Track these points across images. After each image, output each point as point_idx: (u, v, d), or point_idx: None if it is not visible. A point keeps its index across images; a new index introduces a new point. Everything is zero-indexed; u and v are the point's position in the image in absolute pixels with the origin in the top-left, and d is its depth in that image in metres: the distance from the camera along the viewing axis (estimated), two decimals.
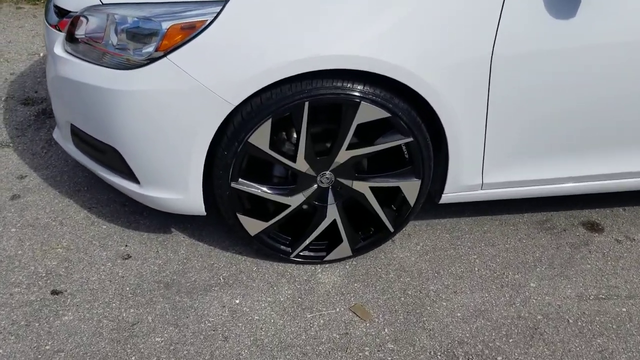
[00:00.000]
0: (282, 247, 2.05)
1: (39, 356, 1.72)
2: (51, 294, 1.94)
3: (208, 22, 1.70)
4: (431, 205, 2.24)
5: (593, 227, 2.38)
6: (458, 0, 1.75)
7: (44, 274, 2.02)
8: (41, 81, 3.27)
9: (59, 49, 1.99)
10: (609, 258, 2.22)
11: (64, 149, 2.25)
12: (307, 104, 1.76)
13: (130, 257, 2.11)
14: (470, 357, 1.79)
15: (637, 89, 1.90)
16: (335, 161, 1.90)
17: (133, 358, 1.74)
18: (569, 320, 1.94)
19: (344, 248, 2.07)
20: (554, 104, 1.89)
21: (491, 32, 1.76)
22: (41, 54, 3.59)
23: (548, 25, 1.77)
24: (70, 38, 1.95)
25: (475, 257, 2.20)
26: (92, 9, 1.88)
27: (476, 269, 2.14)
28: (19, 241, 2.15)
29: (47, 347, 1.76)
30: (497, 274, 2.12)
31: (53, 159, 2.63)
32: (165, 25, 1.72)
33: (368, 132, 1.87)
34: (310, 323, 1.89)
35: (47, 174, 2.53)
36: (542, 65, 1.81)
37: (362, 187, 1.96)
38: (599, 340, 1.87)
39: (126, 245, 2.16)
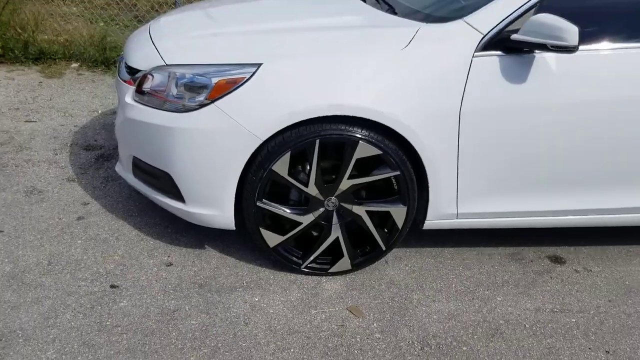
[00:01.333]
0: (294, 259, 2.55)
1: (102, 329, 2.21)
2: (110, 287, 2.45)
3: (246, 78, 2.29)
4: (419, 234, 2.73)
5: (557, 259, 2.83)
6: (435, 68, 2.32)
7: (104, 273, 2.53)
8: (99, 132, 3.90)
9: (129, 98, 2.59)
10: (567, 283, 2.66)
11: (124, 179, 2.82)
12: (318, 141, 2.31)
13: (172, 264, 2.62)
14: (441, 346, 2.23)
15: (577, 140, 2.41)
16: (339, 188, 2.42)
17: (174, 333, 2.21)
18: (525, 325, 2.37)
19: (345, 262, 2.55)
20: (510, 150, 2.41)
21: (459, 93, 2.32)
22: (99, 111, 4.25)
23: (504, 88, 2.33)
24: (139, 90, 2.55)
25: (454, 277, 2.66)
26: (158, 68, 2.50)
27: (453, 285, 2.59)
28: (84, 250, 2.68)
29: (107, 323, 2.24)
30: (470, 290, 2.57)
31: (110, 191, 3.19)
32: (214, 80, 2.32)
33: (365, 166, 2.40)
34: (314, 317, 2.35)
35: (105, 202, 3.08)
36: (500, 119, 2.35)
37: (360, 210, 2.47)
38: (548, 341, 2.30)
39: (169, 256, 2.67)
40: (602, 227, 2.80)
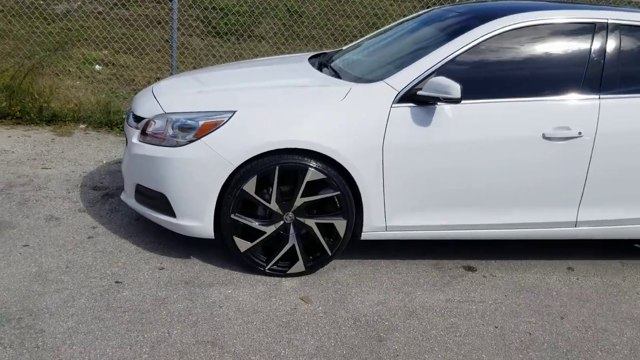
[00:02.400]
0: (260, 262, 3.27)
1: (109, 309, 2.89)
2: (115, 282, 3.14)
3: (224, 121, 3.10)
4: (362, 248, 3.47)
5: (470, 268, 3.57)
6: (364, 115, 3.14)
7: (110, 274, 3.22)
8: (105, 177, 4.65)
9: (135, 139, 3.38)
10: (474, 284, 3.38)
11: (127, 204, 3.56)
12: (277, 168, 3.09)
13: (164, 268, 3.32)
14: (369, 321, 2.93)
15: (470, 169, 3.21)
16: (295, 205, 3.18)
17: (164, 312, 2.90)
18: (436, 310, 3.08)
19: (300, 265, 3.27)
20: (423, 176, 3.20)
21: (382, 133, 3.13)
22: (104, 161, 5.02)
23: (414, 129, 3.15)
24: (143, 133, 3.35)
25: (386, 278, 3.37)
26: (158, 115, 3.31)
27: (384, 284, 3.31)
28: (94, 258, 3.38)
29: (113, 305, 2.93)
30: (397, 287, 3.29)
31: (114, 219, 3.92)
32: (201, 123, 3.12)
33: (314, 188, 3.17)
34: (274, 302, 3.04)
35: (110, 227, 3.80)
36: (412, 153, 3.15)
37: (311, 222, 3.22)
38: (452, 320, 3.00)
39: (161, 263, 3.38)
40: (510, 242, 3.56)
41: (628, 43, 3.33)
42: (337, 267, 3.46)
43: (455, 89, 3.01)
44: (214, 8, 11.64)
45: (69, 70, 7.73)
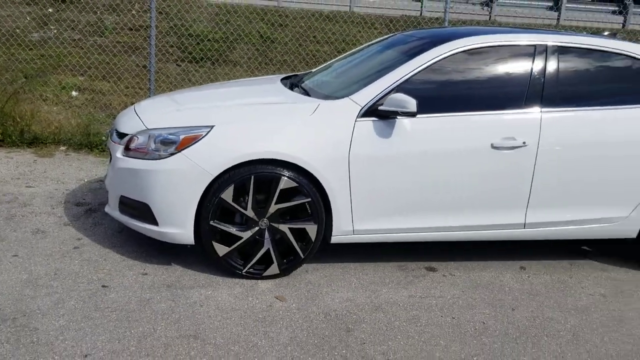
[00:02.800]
0: (237, 265, 3.53)
1: (97, 309, 3.11)
2: (102, 287, 3.36)
3: (203, 135, 3.38)
4: (333, 253, 3.75)
5: (431, 268, 3.87)
6: (331, 128, 3.46)
7: (97, 279, 3.44)
8: (87, 194, 4.87)
9: (119, 154, 3.64)
10: (435, 282, 3.68)
11: (111, 215, 3.80)
12: (253, 177, 3.38)
13: (147, 274, 3.56)
14: (338, 315, 3.20)
15: (427, 177, 3.54)
16: (269, 211, 3.46)
17: (148, 311, 3.13)
18: (399, 304, 3.37)
19: (274, 268, 3.54)
20: (386, 184, 3.52)
21: (348, 145, 3.44)
22: (85, 180, 5.24)
23: (377, 141, 3.47)
24: (126, 148, 3.61)
25: (355, 279, 3.66)
26: (141, 131, 3.58)
27: (353, 284, 3.59)
28: (81, 266, 3.60)
29: (101, 306, 3.15)
30: (365, 286, 3.57)
31: (98, 232, 4.14)
32: (181, 137, 3.40)
33: (287, 195, 3.46)
34: (250, 301, 3.30)
35: (94, 238, 4.02)
36: (375, 162, 3.47)
37: (285, 227, 3.50)
38: (414, 312, 3.29)
39: (144, 270, 3.61)
40: (468, 243, 3.88)
41: (565, 62, 3.73)
42: (309, 270, 3.73)
43: (411, 103, 3.35)
44: (190, 35, 11.99)
45: (47, 96, 7.94)
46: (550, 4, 17.31)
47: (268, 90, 4.15)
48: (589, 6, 17.48)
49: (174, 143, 3.42)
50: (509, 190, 3.65)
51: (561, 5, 16.79)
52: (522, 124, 3.60)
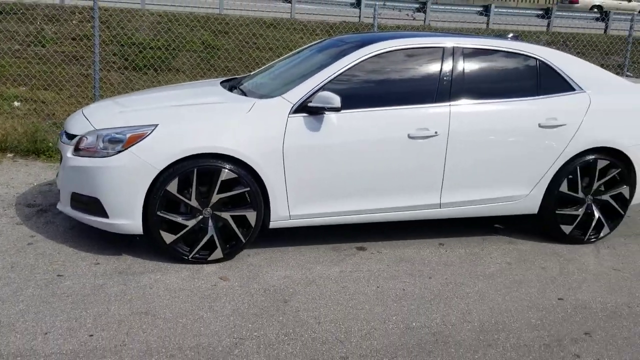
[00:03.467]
0: (184, 252, 3.86)
1: (54, 295, 3.39)
2: (57, 276, 3.63)
3: (147, 133, 3.71)
4: (272, 237, 4.14)
5: (361, 248, 4.31)
6: (266, 124, 3.85)
7: (52, 270, 3.71)
8: (37, 196, 5.09)
9: (70, 154, 3.92)
10: (364, 259, 4.12)
11: (63, 212, 4.07)
12: (195, 170, 3.73)
13: (99, 264, 3.85)
14: (276, 290, 3.59)
15: (354, 164, 3.98)
16: (212, 201, 3.82)
17: (102, 295, 3.43)
18: (331, 278, 3.79)
19: (218, 252, 3.90)
20: (316, 173, 3.93)
21: (281, 139, 3.84)
22: (35, 184, 5.44)
23: (307, 134, 3.88)
24: (76, 148, 3.90)
25: (292, 260, 4.06)
26: (90, 132, 3.88)
27: (290, 264, 3.99)
28: (35, 260, 3.85)
29: (57, 292, 3.43)
30: (301, 265, 3.97)
31: (50, 229, 4.38)
32: (127, 135, 3.72)
33: (227, 186, 3.83)
34: (197, 282, 3.65)
35: (47, 235, 4.27)
36: (307, 153, 3.88)
37: (227, 215, 3.86)
38: (344, 284, 3.71)
39: (96, 260, 3.90)
40: (395, 225, 4.33)
41: (469, 62, 4.25)
42: (251, 254, 4.10)
43: (336, 100, 3.79)
44: (132, 44, 12.15)
45: None
46: (480, 9, 18.29)
47: (208, 92, 4.52)
48: (515, 10, 18.55)
49: (120, 141, 3.74)
50: (425, 174, 4.13)
51: (490, 10, 17.75)
52: (433, 117, 4.09)
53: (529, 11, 18.81)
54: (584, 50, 13.67)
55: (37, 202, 4.95)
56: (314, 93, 3.92)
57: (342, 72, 4.02)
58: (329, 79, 3.99)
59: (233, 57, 12.22)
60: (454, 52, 4.23)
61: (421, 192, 4.17)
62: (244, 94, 4.32)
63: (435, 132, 4.07)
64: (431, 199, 4.20)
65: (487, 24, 17.75)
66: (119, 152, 3.71)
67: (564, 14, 18.66)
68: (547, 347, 3.13)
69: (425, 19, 17.05)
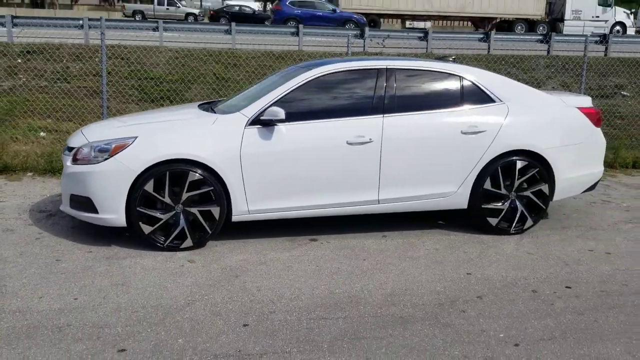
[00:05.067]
0: (160, 241, 4.68)
1: (51, 273, 4.23)
2: (55, 260, 4.48)
3: (129, 143, 4.58)
4: (239, 232, 4.94)
5: (314, 239, 5.06)
6: (227, 135, 4.68)
7: (52, 256, 4.56)
8: (48, 204, 5.99)
9: (69, 163, 4.81)
10: (313, 248, 4.87)
11: (64, 211, 4.94)
12: (168, 173, 4.57)
13: (91, 252, 4.68)
14: (233, 269, 4.36)
15: (299, 168, 4.76)
16: (182, 198, 4.64)
17: (90, 272, 4.26)
18: (280, 261, 4.54)
19: (189, 241, 4.70)
20: (270, 174, 4.73)
21: (239, 147, 4.66)
22: (47, 195, 6.36)
23: (261, 143, 4.70)
24: (74, 158, 4.79)
25: (252, 248, 4.82)
26: (85, 144, 4.77)
27: (249, 251, 4.76)
28: (40, 249, 4.71)
29: (54, 271, 4.27)
30: (258, 251, 4.73)
31: (56, 229, 5.25)
32: (113, 146, 4.60)
33: (195, 185, 4.65)
34: (168, 264, 4.45)
35: (52, 232, 5.13)
36: (260, 158, 4.69)
37: (195, 210, 4.68)
38: (289, 265, 4.46)
39: (90, 250, 4.74)
40: (348, 220, 5.08)
41: (401, 80, 5.03)
42: (218, 244, 4.90)
43: (282, 113, 4.61)
44: (150, 78, 13.32)
45: (17, 138, 9.07)
46: (482, 35, 19.08)
47: (183, 111, 5.40)
48: (514, 36, 19.29)
49: (107, 151, 4.61)
50: (364, 174, 4.89)
51: (490, 36, 18.53)
52: (368, 126, 4.87)
53: (529, 37, 19.51)
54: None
55: (47, 208, 5.85)
56: (265, 109, 4.74)
57: (290, 91, 4.84)
58: (279, 97, 4.81)
59: (241, 87, 13.21)
60: (387, 73, 5.03)
61: (361, 190, 4.92)
62: (214, 112, 5.18)
63: (370, 139, 4.84)
64: (370, 196, 4.95)
65: (488, 49, 18.52)
66: (106, 159, 4.58)
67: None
68: (440, 305, 3.83)
69: (427, 46, 17.92)
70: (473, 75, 5.18)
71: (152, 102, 12.12)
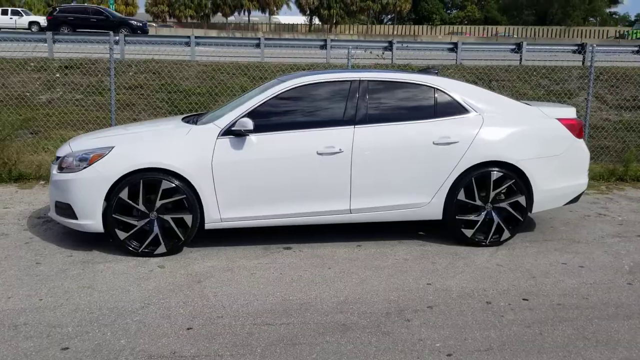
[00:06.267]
0: (135, 246, 4.86)
1: (28, 275, 4.47)
2: (36, 263, 4.72)
3: (106, 153, 4.80)
4: (214, 238, 5.08)
5: (288, 248, 5.14)
6: (200, 144, 4.84)
7: (34, 260, 4.80)
8: (47, 211, 6.29)
9: (55, 172, 5.07)
10: (284, 256, 4.95)
11: (51, 217, 5.20)
12: (142, 181, 4.76)
13: (72, 256, 4.91)
14: (196, 274, 4.49)
15: (271, 176, 4.87)
16: (156, 205, 4.82)
17: (62, 275, 4.47)
18: (247, 268, 4.65)
19: (162, 248, 4.87)
20: (240, 183, 4.85)
21: (211, 156, 4.82)
22: (32, 210, 6.67)
23: (232, 152, 4.84)
24: (60, 167, 5.04)
25: (224, 256, 4.95)
26: (69, 154, 5.01)
27: (220, 258, 4.88)
28: (26, 253, 4.96)
29: (31, 273, 4.50)
30: (229, 259, 4.86)
31: (47, 234, 5.52)
32: (91, 155, 4.82)
33: (168, 193, 4.82)
34: (139, 269, 4.62)
35: (43, 237, 5.40)
36: (232, 167, 4.83)
37: (168, 217, 4.84)
38: (255, 272, 4.56)
39: (71, 254, 4.96)
40: (322, 229, 5.16)
41: (373, 91, 5.08)
42: (193, 251, 5.05)
43: (250, 124, 4.74)
44: (180, 91, 13.75)
45: (48, 148, 9.54)
46: (513, 46, 18.81)
47: (166, 122, 5.59)
48: (547, 46, 18.91)
49: (86, 160, 4.84)
50: (335, 184, 4.95)
51: (522, 47, 18.24)
52: (339, 137, 4.93)
53: (563, 46, 19.11)
54: None
55: (46, 216, 6.15)
56: (237, 120, 4.88)
57: (263, 103, 4.97)
58: (251, 108, 4.95)
59: None
60: (360, 84, 5.09)
61: (332, 199, 4.99)
62: (194, 123, 5.35)
63: (340, 149, 4.90)
64: (342, 205, 5.00)
65: (520, 60, 18.22)
66: (85, 167, 4.81)
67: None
68: (387, 314, 3.84)
69: (456, 58, 17.80)
70: (448, 87, 5.18)
71: (180, 113, 12.47)
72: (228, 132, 4.87)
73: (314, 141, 4.92)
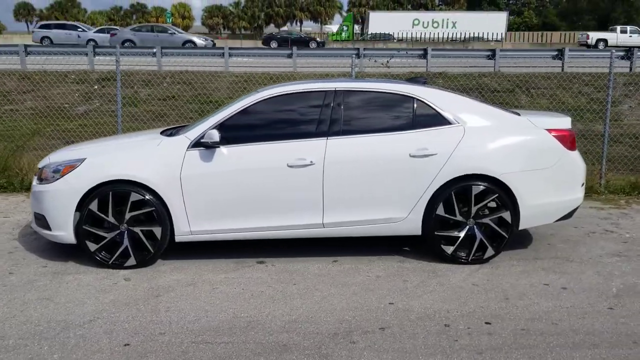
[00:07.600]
0: (105, 258, 4.85)
1: (9, 284, 4.53)
2: (9, 273, 4.78)
3: (77, 165, 4.82)
4: (188, 252, 5.02)
5: (261, 262, 5.01)
6: (170, 156, 4.80)
7: (8, 270, 4.86)
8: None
9: (35, 182, 5.14)
10: (257, 270, 4.83)
11: (32, 227, 5.27)
12: (111, 193, 4.75)
13: (46, 267, 4.94)
14: (159, 288, 4.43)
15: (241, 189, 4.76)
16: (125, 217, 4.80)
17: (29, 287, 4.49)
18: (212, 282, 4.55)
19: (132, 260, 4.83)
20: (209, 195, 4.77)
21: (179, 168, 4.76)
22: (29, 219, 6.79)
23: (201, 164, 4.76)
24: (39, 178, 5.10)
25: (194, 268, 4.87)
26: (46, 165, 5.07)
27: (190, 272, 4.80)
28: (3, 263, 5.03)
29: (12, 279, 4.56)
30: (198, 273, 4.77)
31: (34, 244, 5.60)
32: (63, 167, 4.85)
33: (138, 205, 4.79)
34: (105, 281, 4.59)
35: (28, 247, 5.48)
36: (200, 180, 4.75)
37: (138, 229, 4.81)
38: (218, 287, 4.46)
39: (46, 265, 4.99)
40: (297, 244, 5.01)
41: (349, 102, 4.90)
42: (165, 263, 4.99)
43: (216, 136, 4.66)
44: (210, 102, 13.92)
45: None
46: (555, 52, 18.12)
47: (142, 134, 5.59)
48: (590, 52, 18.08)
49: (59, 171, 4.88)
50: (306, 197, 4.79)
51: (564, 53, 17.55)
52: (311, 149, 4.77)
53: (604, 53, 18.25)
54: None
55: (31, 229, 6.24)
56: (206, 132, 4.80)
57: (233, 115, 4.88)
58: (222, 120, 4.87)
59: None
60: (335, 94, 4.92)
61: (304, 213, 4.83)
62: (170, 135, 5.31)
63: (311, 162, 4.75)
64: (314, 219, 4.84)
65: (562, 67, 17.52)
66: (57, 179, 4.85)
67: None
68: (334, 335, 3.65)
69: (494, 65, 17.28)
70: (428, 96, 4.94)
71: None
72: (198, 144, 4.81)
73: (285, 153, 4.79)
